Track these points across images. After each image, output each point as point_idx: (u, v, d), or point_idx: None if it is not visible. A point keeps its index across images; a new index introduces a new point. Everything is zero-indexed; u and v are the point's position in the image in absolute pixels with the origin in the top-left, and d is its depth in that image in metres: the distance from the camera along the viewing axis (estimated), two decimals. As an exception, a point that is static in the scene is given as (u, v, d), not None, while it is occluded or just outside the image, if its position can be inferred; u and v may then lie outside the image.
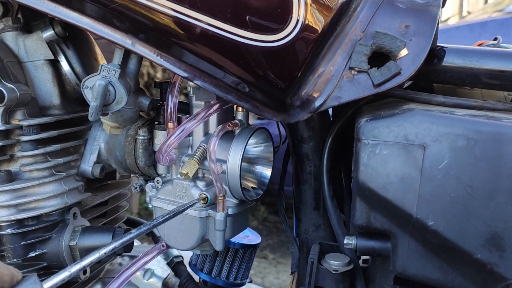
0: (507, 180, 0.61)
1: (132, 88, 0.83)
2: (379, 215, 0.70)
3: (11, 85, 0.85)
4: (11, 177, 0.87)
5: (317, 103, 0.72)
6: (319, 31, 0.71)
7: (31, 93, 0.89)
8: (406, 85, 0.85)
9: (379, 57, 0.73)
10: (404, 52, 0.71)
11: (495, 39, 0.80)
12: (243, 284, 1.09)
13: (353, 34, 0.73)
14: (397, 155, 0.67)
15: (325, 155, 0.88)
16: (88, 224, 0.96)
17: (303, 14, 0.69)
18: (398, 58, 0.71)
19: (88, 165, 0.96)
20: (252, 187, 0.91)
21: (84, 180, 0.97)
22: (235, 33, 0.70)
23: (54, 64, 0.94)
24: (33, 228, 0.87)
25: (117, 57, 0.80)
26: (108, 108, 0.78)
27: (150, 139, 0.90)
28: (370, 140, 0.69)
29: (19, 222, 0.86)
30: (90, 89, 0.78)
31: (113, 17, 0.74)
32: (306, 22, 0.70)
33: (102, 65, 0.77)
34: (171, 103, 0.84)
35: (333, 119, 0.92)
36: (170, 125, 0.84)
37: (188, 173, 0.82)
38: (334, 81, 0.72)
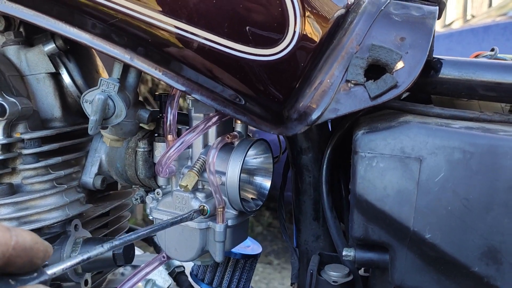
0: (503, 193, 0.61)
1: (132, 101, 0.83)
2: (376, 228, 0.70)
3: (12, 99, 0.86)
4: (13, 189, 0.88)
5: (314, 116, 0.73)
6: (316, 44, 0.72)
7: (32, 107, 0.90)
8: (403, 96, 0.85)
9: (376, 70, 0.73)
10: (400, 64, 0.72)
11: (492, 49, 0.80)
12: (243, 294, 1.09)
13: (349, 47, 0.74)
14: (393, 168, 0.67)
15: (324, 166, 0.89)
16: (89, 235, 0.97)
17: (299, 28, 0.69)
18: (394, 70, 0.72)
19: (90, 176, 0.96)
20: (252, 198, 0.91)
21: (85, 191, 0.98)
22: (232, 47, 0.71)
23: (56, 77, 0.95)
24: (35, 240, 0.87)
25: (116, 71, 0.81)
26: (108, 121, 0.79)
27: (150, 151, 0.91)
28: (367, 152, 0.69)
29: (21, 235, 0.87)
30: (89, 103, 0.79)
31: (112, 32, 0.75)
32: (303, 35, 0.70)
33: (101, 80, 0.78)
34: (171, 115, 0.85)
35: (332, 130, 0.92)
36: (169, 137, 0.85)
37: (187, 185, 0.83)
38: (331, 94, 0.73)
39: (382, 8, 0.76)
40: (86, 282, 0.95)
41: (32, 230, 0.88)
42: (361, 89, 0.72)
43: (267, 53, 0.71)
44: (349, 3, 0.77)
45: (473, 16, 5.33)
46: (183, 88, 0.75)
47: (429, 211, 0.65)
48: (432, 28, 0.75)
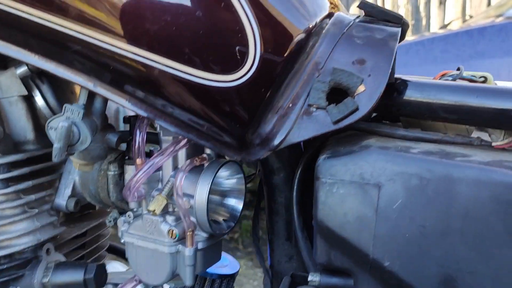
0: (459, 220, 0.60)
1: (99, 126, 0.83)
2: (339, 254, 0.70)
3: (-20, 126, 0.86)
4: (-16, 216, 0.88)
5: (277, 141, 0.73)
6: (277, 69, 0.72)
7: (3, 131, 0.91)
8: (372, 115, 0.84)
9: (338, 93, 0.73)
10: (361, 88, 0.71)
11: (458, 69, 0.80)
12: (222, 313, 1.09)
13: (311, 71, 0.73)
14: (353, 194, 0.67)
15: (295, 187, 0.88)
16: (63, 258, 0.97)
17: (259, 53, 0.69)
18: (355, 94, 0.71)
19: (63, 199, 0.96)
20: (223, 220, 0.91)
21: (60, 214, 0.98)
22: (192, 74, 0.71)
23: (29, 99, 0.95)
24: (5, 266, 0.88)
25: (82, 96, 0.81)
26: (73, 148, 0.79)
27: (121, 174, 0.91)
28: (328, 178, 0.69)
29: (-9, 261, 0.87)
30: (54, 129, 0.79)
31: (75, 60, 0.75)
32: (263, 60, 0.70)
33: (65, 106, 0.78)
34: (139, 138, 0.85)
35: (303, 149, 0.92)
36: (138, 160, 0.85)
37: (155, 209, 0.82)
38: (293, 118, 0.72)
39: (345, 30, 0.75)
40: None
41: (2, 256, 0.88)
42: (323, 113, 0.72)
43: (228, 79, 0.70)
44: (311, 26, 0.76)
45: (471, 17, 5.30)
46: (146, 114, 0.75)
47: (388, 238, 0.65)
48: (394, 50, 0.74)
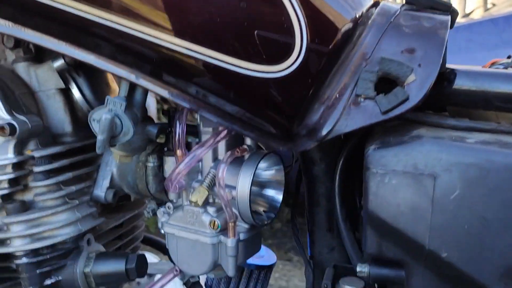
0: (521, 212, 0.59)
1: (140, 118, 0.83)
2: (391, 245, 0.69)
3: (22, 118, 0.86)
4: (26, 207, 0.88)
5: (324, 132, 0.71)
6: (323, 59, 0.70)
7: (42, 124, 0.90)
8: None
9: (386, 83, 0.71)
10: (411, 78, 0.69)
11: (509, 57, 0.77)
12: (259, 304, 1.09)
13: (358, 61, 0.72)
14: (406, 185, 0.65)
15: (337, 177, 0.87)
16: (102, 249, 0.97)
17: (306, 43, 0.68)
18: (405, 84, 0.69)
19: (101, 191, 0.96)
20: (263, 211, 0.90)
21: (98, 205, 0.98)
22: (238, 65, 0.69)
23: (66, 92, 0.95)
24: (48, 256, 0.88)
25: (123, 89, 0.80)
26: (116, 140, 0.79)
27: (160, 166, 0.90)
28: (379, 169, 0.67)
29: (34, 251, 0.87)
30: (97, 122, 0.78)
31: (117, 52, 0.74)
32: (310, 51, 0.68)
33: (108, 98, 0.78)
34: (179, 130, 0.84)
35: (344, 139, 0.90)
36: (178, 152, 0.84)
37: (197, 200, 0.82)
38: (340, 109, 0.71)
39: (392, 19, 0.73)
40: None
41: (45, 247, 0.88)
42: (372, 104, 0.70)
43: (274, 70, 0.69)
44: (357, 16, 0.74)
45: (493, 5, 5.19)
46: (189, 106, 0.74)
47: (445, 229, 0.63)
48: (444, 38, 0.72)
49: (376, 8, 0.77)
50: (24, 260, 0.87)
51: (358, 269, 0.74)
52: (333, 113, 0.71)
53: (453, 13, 0.76)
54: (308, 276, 0.92)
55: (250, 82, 0.70)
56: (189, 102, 0.74)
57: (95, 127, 0.79)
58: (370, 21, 0.74)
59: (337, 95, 0.71)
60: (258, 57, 0.68)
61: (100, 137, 0.76)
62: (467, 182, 0.62)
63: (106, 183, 0.97)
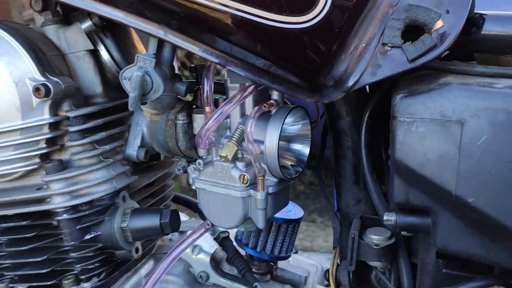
0: (550, 155, 0.59)
1: (168, 75, 0.84)
2: (418, 192, 0.70)
3: (55, 79, 0.89)
4: (63, 166, 0.92)
5: (351, 82, 0.72)
6: (350, 8, 0.70)
7: (75, 85, 0.93)
8: (444, 54, 0.82)
9: (414, 31, 0.70)
10: (439, 24, 0.69)
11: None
12: (288, 257, 1.12)
13: (384, 9, 0.71)
14: (434, 132, 0.66)
15: (363, 130, 0.88)
16: (137, 205, 1.02)
17: (331, -4, 0.67)
18: (432, 31, 0.69)
19: (133, 149, 1.00)
20: (291, 165, 0.92)
21: (130, 163, 1.02)
22: (264, 16, 0.70)
23: (95, 54, 0.98)
24: (87, 212, 0.93)
25: (152, 46, 0.82)
26: (147, 97, 0.81)
27: (190, 123, 0.93)
28: (406, 117, 0.68)
29: (74, 208, 0.92)
30: (128, 80, 0.80)
31: (145, 9, 0.75)
32: (335, 4, 0.68)
33: (138, 56, 0.80)
34: (207, 86, 0.86)
35: (370, 92, 0.91)
36: (207, 109, 0.86)
37: (227, 155, 0.84)
38: (367, 58, 0.71)
39: (419, -37, 0.72)
40: (136, 250, 1.01)
41: (84, 203, 0.92)
42: (399, 52, 0.70)
43: (300, 20, 0.69)
44: None
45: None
46: (217, 61, 0.75)
47: (472, 175, 0.64)
48: (473, -19, 0.71)
49: None
50: (65, 216, 0.91)
51: (385, 217, 0.76)
52: (360, 62, 0.71)
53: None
54: (335, 228, 0.95)
55: (277, 33, 0.70)
56: (216, 57, 0.75)
57: (126, 85, 0.81)
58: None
59: (364, 44, 0.71)
60: (284, 8, 0.69)
61: (132, 95, 0.78)
62: (494, 127, 0.62)
63: (137, 142, 1.00)
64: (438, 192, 0.67)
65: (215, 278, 1.10)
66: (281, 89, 0.75)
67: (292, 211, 1.10)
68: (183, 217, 1.39)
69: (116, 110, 0.99)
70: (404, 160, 0.69)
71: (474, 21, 0.73)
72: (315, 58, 0.72)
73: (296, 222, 1.08)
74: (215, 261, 1.14)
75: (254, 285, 1.06)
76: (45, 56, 0.92)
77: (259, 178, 0.86)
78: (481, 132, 0.63)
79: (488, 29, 0.72)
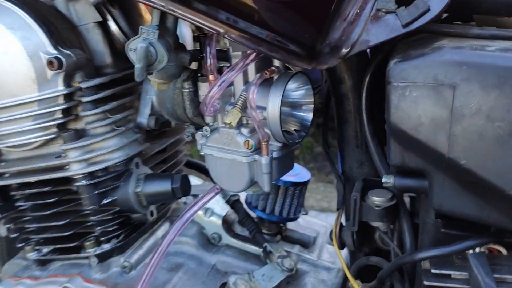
0: (538, 116, 0.60)
1: (172, 45, 0.87)
2: (413, 155, 0.72)
3: (67, 51, 0.93)
4: (79, 134, 0.97)
5: (346, 49, 0.73)
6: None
7: (86, 56, 0.97)
8: (443, 16, 0.82)
9: (408, -5, 0.71)
10: (433, -13, 0.69)
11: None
12: (296, 218, 1.17)
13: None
14: (427, 96, 0.67)
15: (364, 94, 0.89)
16: (150, 171, 1.07)
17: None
18: (427, -6, 0.69)
19: (144, 117, 1.04)
20: (295, 130, 0.95)
21: (142, 131, 1.06)
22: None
23: (103, 25, 1.01)
24: (103, 178, 0.98)
25: (155, 17, 0.84)
26: (152, 67, 0.84)
27: (196, 91, 0.96)
28: (400, 82, 0.69)
29: (91, 174, 0.98)
30: (133, 51, 0.83)
31: None
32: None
33: (141, 28, 0.82)
34: (210, 55, 0.88)
35: (370, 57, 0.92)
36: (211, 77, 0.89)
37: (231, 122, 0.87)
38: (361, 25, 0.72)
39: None
40: (151, 213, 1.06)
41: (100, 169, 0.98)
42: (393, 17, 0.71)
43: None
44: None
45: None
46: (218, 30, 0.77)
47: (464, 138, 0.66)
48: None
49: None
50: (83, 182, 0.97)
51: (383, 180, 0.79)
52: (355, 29, 0.72)
53: None
54: (339, 190, 0.98)
55: (272, 1, 0.72)
56: (216, 27, 0.77)
57: (132, 56, 0.84)
58: None
59: (358, 10, 0.72)
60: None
61: (137, 66, 0.81)
62: (485, 90, 0.63)
63: (147, 110, 1.04)
64: (432, 155, 0.69)
65: (227, 239, 1.16)
66: (279, 57, 0.77)
67: (299, 174, 1.13)
68: (197, 181, 1.45)
69: (126, 80, 1.03)
70: (399, 124, 0.71)
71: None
72: (309, 26, 0.73)
73: (303, 184, 1.12)
74: (227, 223, 1.19)
75: (264, 245, 1.11)
76: (57, 29, 0.96)
77: (263, 143, 0.89)
78: (473, 96, 0.64)
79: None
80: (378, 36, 0.71)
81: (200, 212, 1.18)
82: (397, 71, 0.69)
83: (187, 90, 0.95)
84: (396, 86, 0.69)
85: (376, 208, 0.87)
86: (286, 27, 0.74)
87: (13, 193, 1.04)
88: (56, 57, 0.90)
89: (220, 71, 0.92)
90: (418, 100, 0.68)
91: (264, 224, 1.17)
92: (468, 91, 0.64)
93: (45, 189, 1.00)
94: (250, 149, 0.90)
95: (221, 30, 0.77)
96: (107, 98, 0.98)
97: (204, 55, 0.88)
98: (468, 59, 0.64)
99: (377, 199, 0.88)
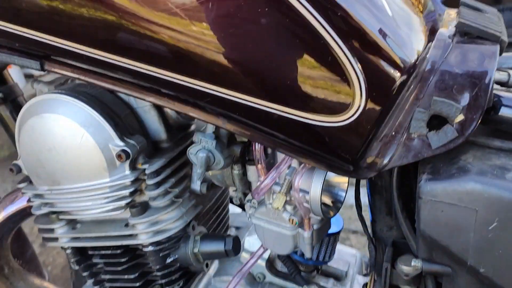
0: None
1: (226, 142, 1.00)
2: (439, 254, 0.85)
3: (132, 141, 1.06)
4: (145, 208, 1.12)
5: (381, 165, 0.85)
6: (384, 106, 0.81)
7: (146, 141, 1.10)
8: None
9: (438, 118, 0.82)
10: (460, 117, 0.80)
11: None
12: (330, 260, 1.32)
13: (412, 102, 0.82)
14: (452, 214, 0.80)
15: (394, 175, 1.01)
16: (204, 230, 1.22)
17: (364, 102, 0.79)
18: (454, 123, 0.80)
19: (196, 185, 1.18)
20: (332, 202, 1.08)
21: (195, 195, 1.21)
22: (305, 117, 0.83)
23: (157, 106, 1.13)
24: (167, 245, 1.14)
25: (210, 126, 0.96)
26: (210, 168, 0.97)
27: (244, 173, 1.09)
28: (429, 199, 0.81)
29: (156, 242, 1.13)
30: (194, 155, 0.96)
31: (205, 106, 0.89)
32: (368, 107, 0.80)
33: (200, 138, 0.95)
34: (258, 147, 1.01)
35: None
36: (259, 166, 1.02)
37: (278, 207, 1.01)
38: (395, 145, 0.84)
39: (443, 59, 0.81)
40: (207, 264, 1.23)
41: (162, 239, 1.13)
42: (424, 139, 0.82)
43: (334, 120, 0.82)
44: (413, 61, 0.82)
45: None
46: (265, 144, 0.89)
47: (483, 251, 0.79)
48: (492, 72, 0.80)
49: (431, 43, 0.85)
50: (150, 248, 1.13)
51: (412, 263, 0.92)
52: (390, 149, 0.84)
53: (502, 43, 0.82)
54: (371, 253, 1.12)
55: (316, 130, 0.84)
56: (266, 141, 0.89)
57: (193, 159, 0.97)
58: (423, 64, 0.82)
59: (393, 133, 0.83)
60: (320, 110, 0.81)
61: (198, 171, 0.95)
62: (504, 216, 0.76)
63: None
64: (456, 258, 0.82)
65: (270, 277, 1.32)
66: (320, 166, 0.90)
67: (334, 222, 1.27)
68: (238, 209, 1.61)
69: (181, 153, 1.16)
70: (428, 232, 0.83)
71: (492, 106, 0.83)
72: (349, 150, 0.85)
73: (337, 234, 1.27)
74: (269, 262, 1.35)
75: (303, 286, 1.27)
76: (120, 118, 1.09)
77: (305, 220, 1.03)
78: (492, 219, 0.77)
79: (505, 112, 0.82)
80: (409, 156, 0.83)
81: (247, 255, 1.34)
82: (427, 189, 0.81)
83: (237, 172, 1.08)
84: (426, 202, 0.82)
85: (405, 277, 1.02)
86: (322, 149, 0.86)
87: (89, 251, 1.21)
88: (123, 150, 1.03)
89: (266, 152, 1.05)
90: (445, 215, 0.81)
91: (302, 263, 1.33)
92: (488, 215, 0.77)
93: (118, 251, 1.16)
94: (294, 225, 1.04)
95: (270, 144, 0.89)
96: (167, 176, 1.11)
97: (252, 146, 1.01)
98: (489, 189, 0.76)
99: (405, 269, 1.01)
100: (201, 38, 0.80)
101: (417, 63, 0.82)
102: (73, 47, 0.91)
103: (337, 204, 1.07)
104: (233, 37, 0.79)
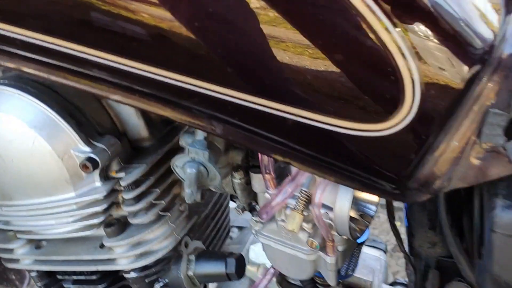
0: None
1: (222, 149, 0.76)
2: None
3: (100, 145, 0.83)
4: (123, 226, 0.90)
5: (439, 185, 0.62)
6: (440, 115, 0.57)
7: (120, 143, 0.86)
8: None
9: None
10: (553, 121, 0.55)
11: None
12: (354, 272, 1.11)
13: (483, 101, 0.58)
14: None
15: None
16: (201, 245, 1.00)
17: (417, 104, 0.55)
18: (545, 128, 0.56)
19: (188, 197, 0.95)
20: (360, 215, 0.85)
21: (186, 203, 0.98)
22: (331, 123, 0.59)
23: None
24: (154, 270, 0.92)
25: (201, 133, 0.72)
26: (203, 184, 0.74)
27: (247, 181, 0.85)
28: (506, 232, 0.59)
29: (140, 267, 0.91)
30: (180, 168, 0.73)
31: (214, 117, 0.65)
32: (422, 109, 0.55)
33: (189, 148, 0.71)
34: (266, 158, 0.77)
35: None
36: (267, 176, 0.78)
37: (294, 229, 0.79)
38: (458, 160, 0.60)
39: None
40: (204, 286, 1.02)
41: (148, 264, 0.91)
42: (501, 151, 0.58)
43: (375, 128, 0.58)
44: (486, 46, 0.57)
45: None
46: (282, 158, 0.65)
47: None
48: None
49: (510, 16, 0.59)
50: (133, 274, 0.92)
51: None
52: (451, 164, 0.60)
53: None
54: (409, 276, 0.91)
55: (348, 140, 0.60)
56: (280, 154, 0.65)
57: (180, 173, 0.74)
58: (502, 45, 0.57)
59: (456, 143, 0.59)
60: (358, 117, 0.57)
61: (188, 191, 0.71)
62: None
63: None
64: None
65: (281, 292, 1.12)
66: (353, 186, 0.66)
67: (358, 231, 1.05)
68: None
69: (166, 156, 0.92)
70: (499, 272, 0.62)
71: None
72: (394, 164, 0.61)
73: (361, 244, 1.05)
74: (280, 274, 1.14)
75: (322, 304, 1.07)
76: (84, 115, 0.85)
77: (329, 243, 0.81)
78: None
79: None
80: (480, 175, 0.60)
81: (254, 268, 1.13)
82: (504, 221, 0.59)
83: (238, 181, 0.85)
84: (501, 236, 0.59)
85: (455, 308, 0.81)
86: (365, 164, 0.63)
87: (58, 276, 1.00)
88: (89, 158, 0.80)
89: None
90: (526, 255, 0.58)
91: (319, 277, 1.12)
92: None
93: (93, 277, 0.95)
94: (315, 248, 0.82)
95: (286, 159, 0.66)
96: (150, 186, 0.88)
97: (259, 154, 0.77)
98: None
99: (455, 300, 0.81)
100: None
101: (494, 44, 0.57)
102: (22, 35, 0.66)
103: (366, 220, 0.84)
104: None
